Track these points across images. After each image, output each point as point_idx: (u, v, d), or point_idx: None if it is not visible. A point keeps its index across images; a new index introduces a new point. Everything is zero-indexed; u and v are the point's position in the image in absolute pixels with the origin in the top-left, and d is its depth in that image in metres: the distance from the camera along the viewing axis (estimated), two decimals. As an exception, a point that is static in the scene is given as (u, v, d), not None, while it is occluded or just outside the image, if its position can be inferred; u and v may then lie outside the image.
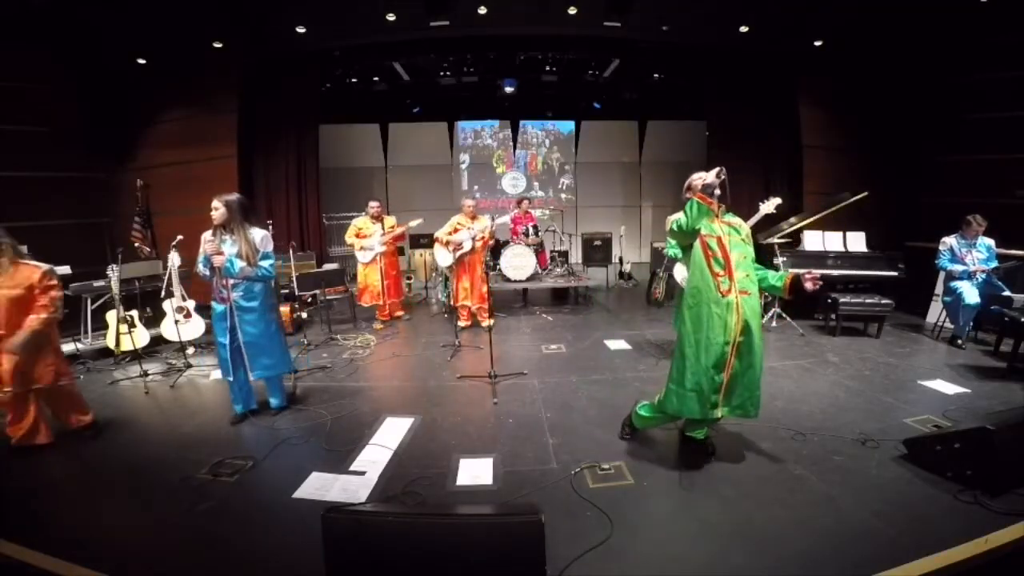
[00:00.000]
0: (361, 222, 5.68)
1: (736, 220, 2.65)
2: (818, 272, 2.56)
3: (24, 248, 3.12)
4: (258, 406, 3.49)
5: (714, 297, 2.45)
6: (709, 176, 2.48)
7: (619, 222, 9.40)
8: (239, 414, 3.37)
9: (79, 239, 6.25)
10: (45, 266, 2.98)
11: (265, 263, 3.21)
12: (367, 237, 5.62)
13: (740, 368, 2.47)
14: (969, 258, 4.62)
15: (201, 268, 3.20)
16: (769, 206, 4.09)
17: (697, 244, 2.52)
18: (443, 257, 5.43)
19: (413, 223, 5.85)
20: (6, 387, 2.89)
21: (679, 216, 2.58)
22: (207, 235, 3.16)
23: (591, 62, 8.46)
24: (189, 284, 5.03)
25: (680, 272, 4.17)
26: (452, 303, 5.64)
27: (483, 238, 5.31)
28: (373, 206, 5.68)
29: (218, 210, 3.14)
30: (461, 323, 5.49)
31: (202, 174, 6.66)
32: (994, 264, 4.60)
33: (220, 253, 3.12)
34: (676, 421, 2.84)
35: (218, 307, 3.24)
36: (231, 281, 3.17)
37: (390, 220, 5.78)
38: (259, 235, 3.26)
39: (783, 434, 2.98)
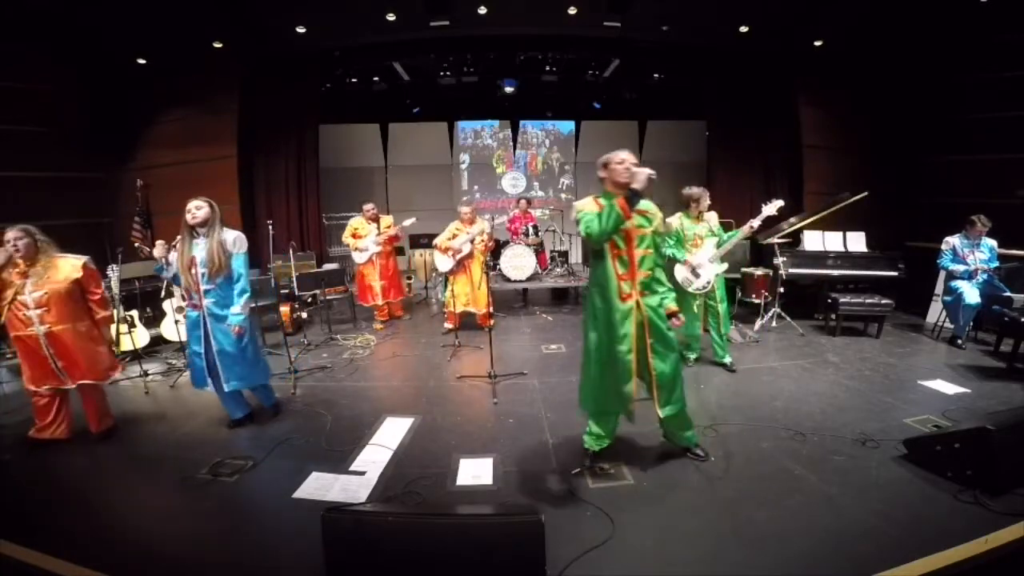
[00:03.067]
0: (357, 223, 5.69)
1: (649, 207, 2.48)
2: (681, 322, 2.60)
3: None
4: (253, 409, 3.44)
5: (615, 304, 2.41)
6: (640, 176, 2.22)
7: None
8: (235, 420, 3.29)
9: (79, 239, 6.19)
10: (83, 257, 3.06)
11: (240, 283, 3.07)
12: (363, 238, 5.63)
13: (664, 368, 2.48)
14: (971, 258, 4.62)
15: (162, 275, 3.16)
16: (771, 208, 3.97)
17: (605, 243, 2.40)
18: (443, 263, 5.43)
19: (407, 222, 5.85)
20: (83, 379, 3.02)
21: (589, 218, 2.32)
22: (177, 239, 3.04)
23: (591, 62, 8.45)
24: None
25: (680, 272, 4.12)
26: (444, 308, 5.64)
27: (483, 240, 5.29)
28: (368, 208, 5.68)
29: (201, 209, 2.99)
30: (447, 325, 5.47)
31: (202, 174, 6.65)
32: (995, 264, 4.60)
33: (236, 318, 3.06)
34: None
35: (192, 313, 3.09)
36: (203, 287, 3.02)
37: (386, 220, 5.79)
38: (231, 236, 3.10)
39: (783, 434, 2.98)
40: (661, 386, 2.51)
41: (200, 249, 3.01)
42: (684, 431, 2.73)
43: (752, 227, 3.93)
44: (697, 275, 4.08)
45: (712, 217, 4.14)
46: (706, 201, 4.06)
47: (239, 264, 3.10)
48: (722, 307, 4.14)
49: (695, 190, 4.07)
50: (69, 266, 2.98)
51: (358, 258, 5.69)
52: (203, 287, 3.02)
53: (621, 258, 2.41)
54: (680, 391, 2.59)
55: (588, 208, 2.38)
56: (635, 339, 2.44)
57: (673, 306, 2.56)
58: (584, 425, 2.81)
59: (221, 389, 3.17)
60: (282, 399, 3.66)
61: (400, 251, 6.81)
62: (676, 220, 4.13)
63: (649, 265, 2.46)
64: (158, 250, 3.02)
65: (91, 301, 3.06)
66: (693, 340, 4.35)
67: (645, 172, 2.25)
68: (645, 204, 2.46)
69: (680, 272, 4.13)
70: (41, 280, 2.88)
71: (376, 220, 5.68)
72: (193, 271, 3.01)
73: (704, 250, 4.07)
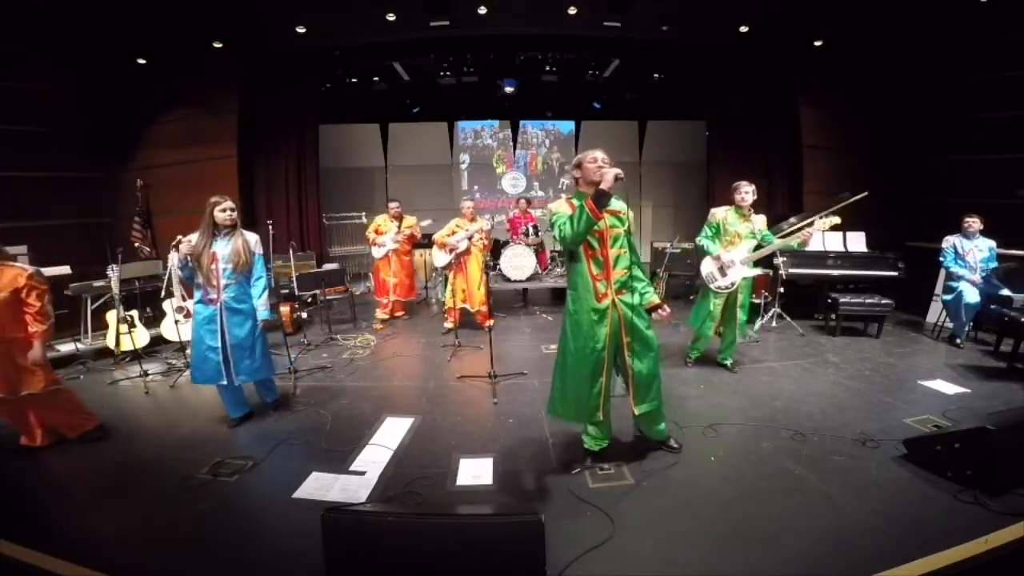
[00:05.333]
0: (381, 219, 5.91)
1: (620, 207, 2.48)
2: (667, 313, 2.56)
3: (24, 248, 3.12)
4: (253, 409, 3.46)
5: (591, 304, 2.43)
6: (608, 176, 2.20)
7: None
8: (235, 419, 3.32)
9: (79, 239, 6.25)
10: (31, 268, 2.91)
11: (260, 282, 3.25)
12: (384, 234, 5.81)
13: (641, 367, 2.51)
14: (971, 256, 4.64)
15: (178, 268, 3.16)
16: (825, 223, 3.63)
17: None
18: (439, 258, 5.48)
19: (424, 223, 6.02)
20: None
21: (562, 221, 2.32)
22: (194, 236, 3.08)
23: (591, 62, 8.44)
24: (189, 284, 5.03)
25: (707, 267, 3.97)
26: (444, 307, 5.66)
27: (482, 238, 5.30)
28: (392, 206, 5.90)
29: (234, 211, 3.14)
30: (447, 324, 5.48)
31: (202, 174, 6.65)
32: (993, 265, 4.60)
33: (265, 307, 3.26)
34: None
35: (205, 310, 3.13)
36: (224, 282, 3.10)
37: (409, 220, 5.90)
38: (253, 238, 3.25)
39: (783, 434, 2.98)
40: (638, 384, 2.55)
41: (222, 246, 3.12)
42: (656, 425, 2.75)
43: (804, 239, 3.68)
44: (724, 274, 3.89)
45: (759, 220, 3.95)
46: (742, 194, 3.83)
47: (261, 265, 3.27)
48: (741, 312, 3.96)
49: (738, 183, 3.89)
50: (12, 275, 2.83)
51: (375, 253, 5.91)
52: (223, 282, 3.11)
53: (595, 259, 2.43)
54: (656, 390, 2.62)
55: (562, 210, 2.38)
56: (610, 337, 2.47)
57: (655, 299, 2.54)
58: (583, 425, 2.82)
59: (230, 385, 3.22)
60: (283, 397, 3.67)
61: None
62: (722, 212, 3.97)
63: (625, 264, 2.48)
64: (185, 247, 3.06)
65: (27, 314, 2.86)
66: (702, 339, 4.17)
67: (612, 172, 2.23)
68: (617, 204, 2.48)
69: (706, 266, 3.97)
70: None
71: (399, 219, 5.86)
72: (214, 267, 3.09)
73: (739, 250, 3.88)
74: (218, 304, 3.13)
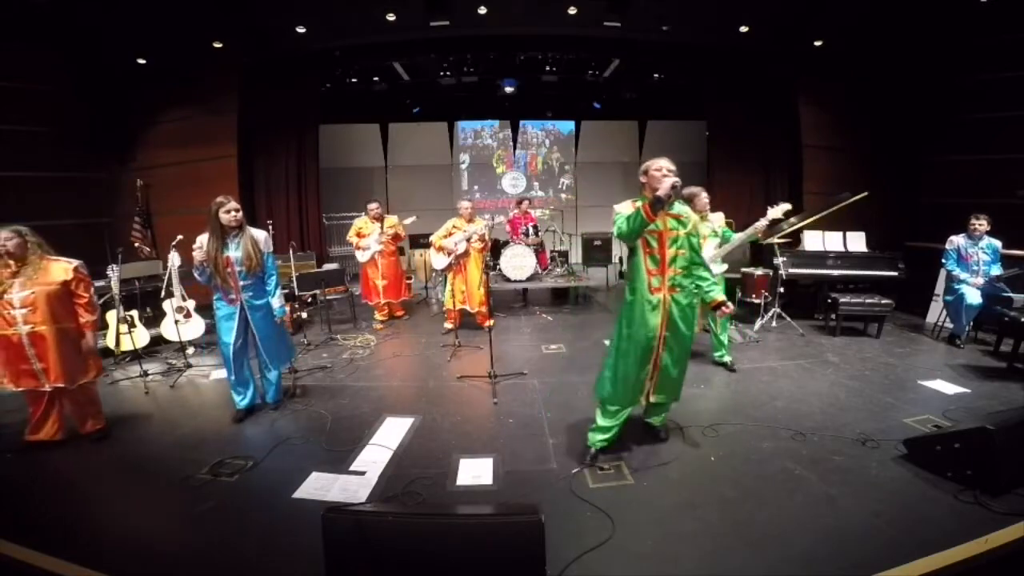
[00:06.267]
0: (361, 222, 5.74)
1: (684, 211, 2.64)
2: (731, 309, 2.78)
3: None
4: (258, 402, 3.53)
5: (646, 295, 2.58)
6: (664, 184, 2.35)
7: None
8: (242, 409, 3.39)
9: (79, 239, 6.22)
10: (76, 261, 3.08)
11: (273, 280, 3.39)
12: (366, 236, 5.68)
13: (669, 361, 2.66)
14: (974, 259, 4.62)
15: (197, 275, 3.22)
16: (777, 211, 3.87)
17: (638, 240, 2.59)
18: (438, 261, 5.44)
19: (407, 221, 5.92)
20: (56, 383, 2.96)
21: (621, 219, 2.50)
22: (202, 240, 3.16)
23: (591, 62, 8.46)
24: (189, 284, 5.02)
25: None
26: (444, 307, 5.64)
27: (481, 238, 5.29)
28: (372, 207, 5.74)
29: (240, 212, 3.20)
30: (447, 325, 5.47)
31: (202, 174, 6.66)
32: (997, 271, 4.58)
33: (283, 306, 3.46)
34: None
35: (226, 308, 3.27)
36: (241, 282, 3.21)
37: (390, 220, 5.79)
38: (261, 235, 3.34)
39: (783, 434, 2.99)
40: (663, 376, 2.70)
41: (234, 249, 3.21)
42: (658, 413, 2.94)
43: (758, 229, 3.92)
44: None
45: (717, 218, 4.14)
46: (702, 199, 4.01)
47: (271, 262, 3.39)
48: None
49: (691, 189, 4.02)
50: (60, 269, 3.00)
51: (361, 257, 5.75)
52: (241, 283, 3.23)
53: (652, 256, 2.57)
54: (676, 388, 2.80)
55: (624, 210, 2.54)
56: (658, 328, 2.60)
57: (720, 296, 2.70)
58: (586, 424, 2.84)
59: (245, 376, 3.40)
60: (283, 397, 3.67)
61: (400, 251, 6.83)
62: None
63: (682, 264, 2.60)
64: (199, 255, 3.13)
65: (78, 305, 3.05)
66: None
67: (669, 180, 2.37)
68: (680, 208, 2.63)
69: None
70: (30, 280, 2.90)
71: (380, 220, 5.73)
72: (230, 269, 3.19)
73: (705, 250, 3.99)
74: (238, 303, 3.27)
